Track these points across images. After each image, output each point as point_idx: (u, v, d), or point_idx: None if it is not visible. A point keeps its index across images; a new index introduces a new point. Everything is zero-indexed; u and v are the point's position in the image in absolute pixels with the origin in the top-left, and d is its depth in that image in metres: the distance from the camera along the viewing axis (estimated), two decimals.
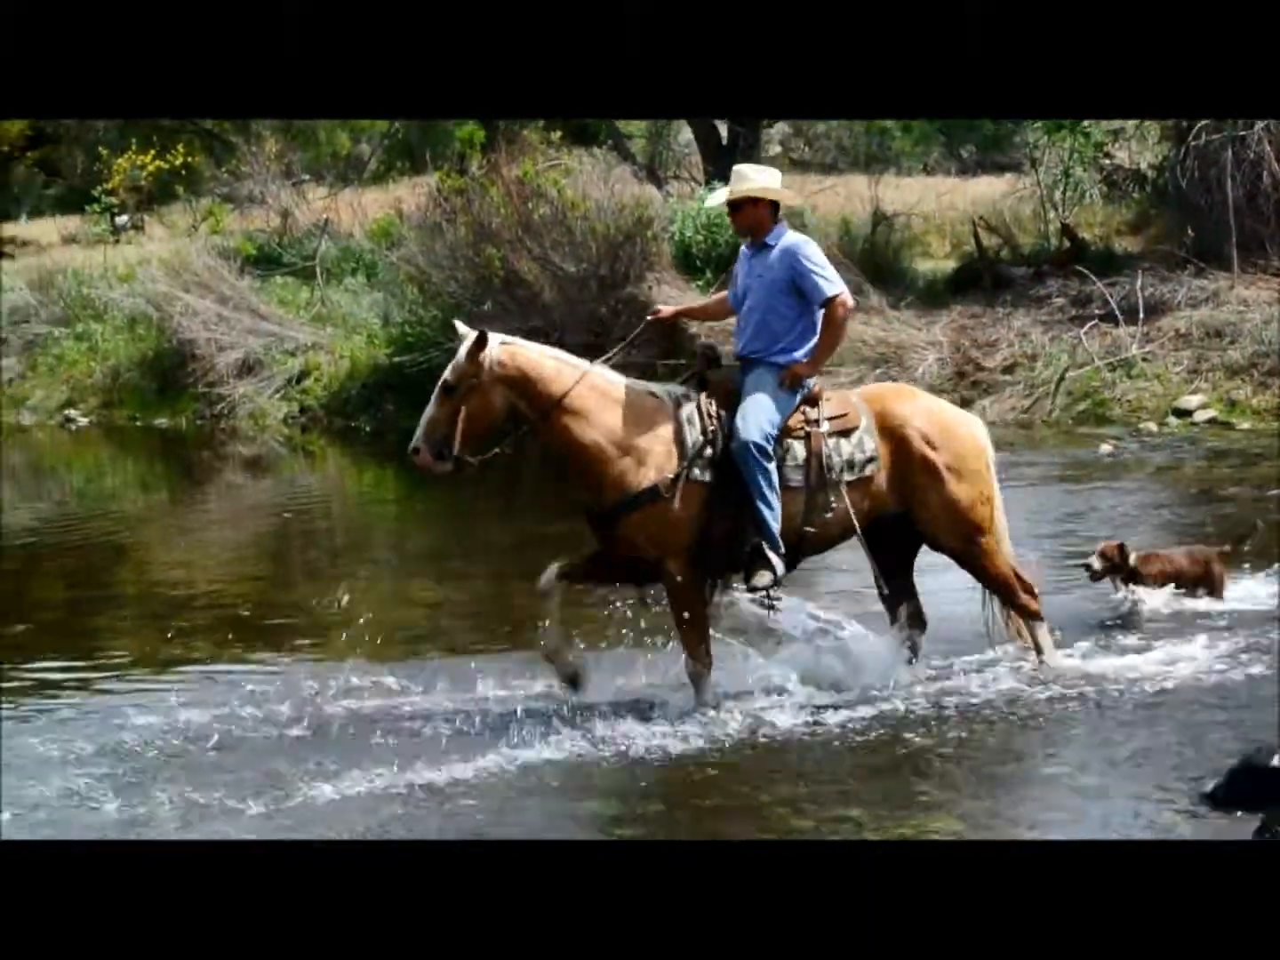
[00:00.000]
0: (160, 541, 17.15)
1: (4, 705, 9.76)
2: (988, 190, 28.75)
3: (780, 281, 9.43)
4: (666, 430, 9.32)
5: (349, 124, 39.98)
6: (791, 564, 9.50)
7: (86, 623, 12.67)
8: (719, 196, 9.89)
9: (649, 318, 10.18)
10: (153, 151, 32.51)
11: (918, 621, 9.91)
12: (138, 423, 25.29)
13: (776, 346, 9.46)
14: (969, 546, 9.75)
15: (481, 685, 9.62)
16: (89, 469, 22.99)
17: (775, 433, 9.25)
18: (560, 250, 22.47)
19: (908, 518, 9.66)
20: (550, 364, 9.36)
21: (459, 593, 12.82)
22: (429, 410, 9.31)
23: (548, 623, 9.41)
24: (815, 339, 9.50)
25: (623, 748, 8.56)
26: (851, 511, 9.40)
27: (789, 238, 9.53)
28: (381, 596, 11.88)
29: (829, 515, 9.40)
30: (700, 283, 23.30)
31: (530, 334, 21.52)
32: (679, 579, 9.25)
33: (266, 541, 16.88)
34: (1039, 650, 9.83)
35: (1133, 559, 11.23)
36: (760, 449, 9.15)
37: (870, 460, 9.44)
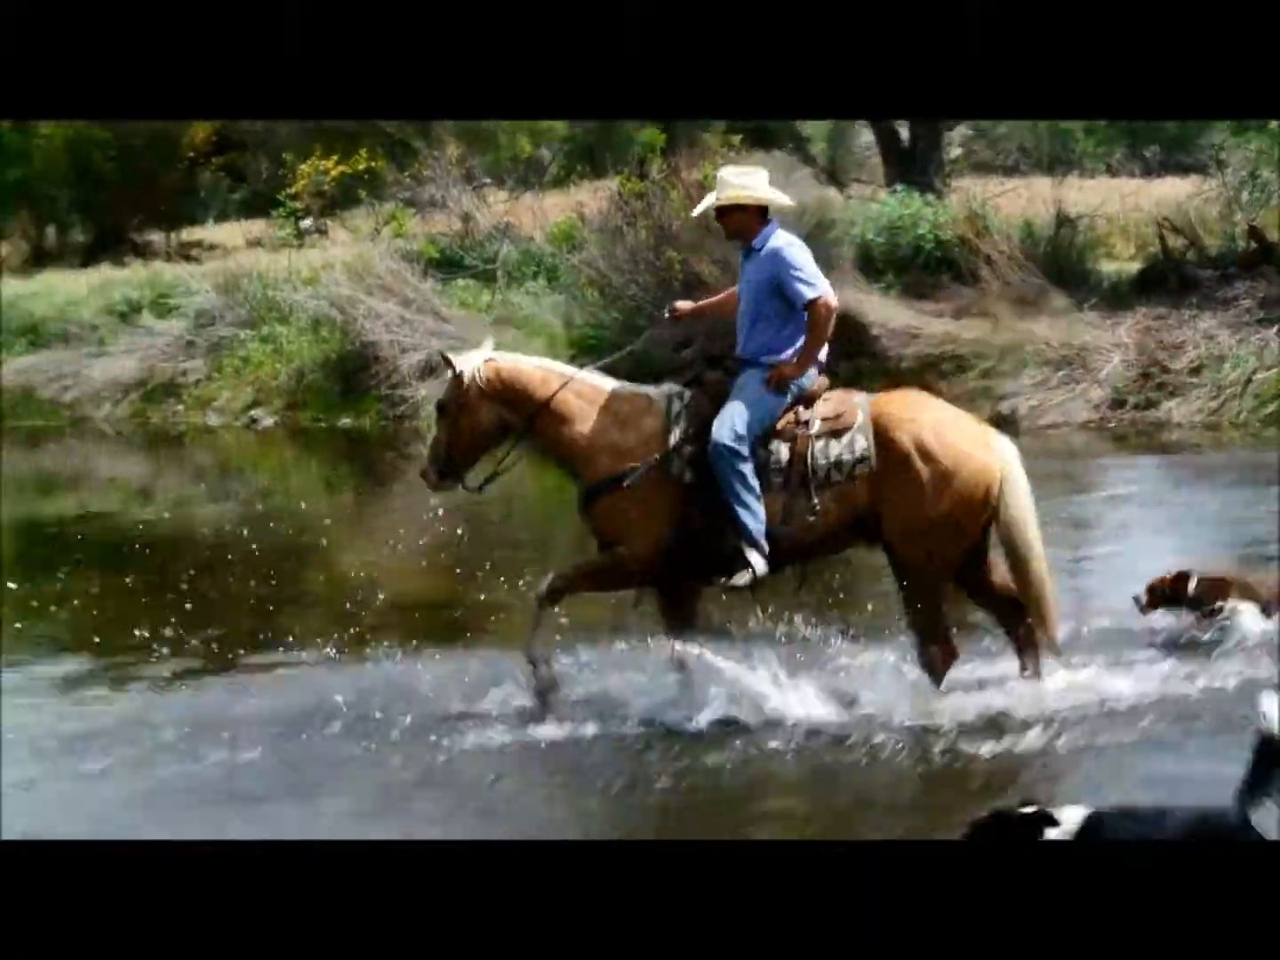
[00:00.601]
0: (346, 541, 17.36)
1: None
2: (1172, 191, 28.33)
3: (766, 285, 9.52)
4: (652, 427, 9.56)
5: (529, 128, 40.26)
6: (777, 566, 9.46)
7: (279, 622, 12.85)
8: (706, 202, 10.01)
9: (666, 314, 10.38)
10: (336, 156, 32.90)
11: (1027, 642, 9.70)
12: (322, 423, 25.56)
13: (765, 349, 9.50)
14: (923, 569, 9.45)
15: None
16: (274, 470, 23.31)
17: (749, 434, 9.26)
18: (736, 252, 22.44)
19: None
20: (533, 372, 9.75)
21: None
22: (433, 433, 9.94)
23: (535, 631, 9.64)
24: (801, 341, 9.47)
25: None
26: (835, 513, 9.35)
27: (775, 240, 9.58)
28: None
29: (812, 518, 9.36)
30: (881, 284, 23.23)
31: (709, 336, 21.89)
32: (628, 566, 9.54)
33: (450, 540, 17.02)
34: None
35: (1193, 587, 10.49)
36: (730, 450, 9.24)
37: (860, 461, 9.33)
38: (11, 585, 13.54)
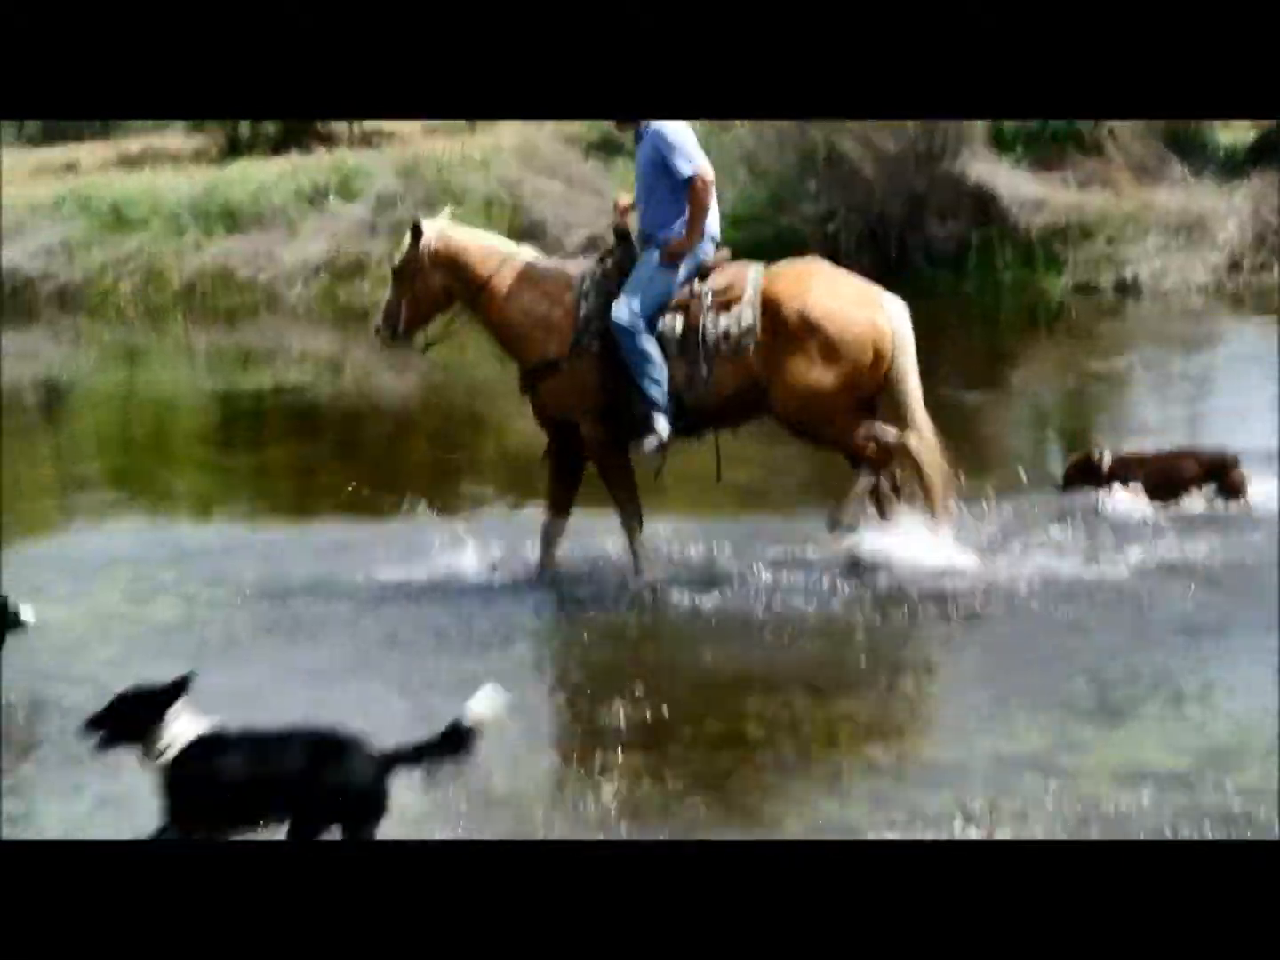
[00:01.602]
0: (515, 410, 17.48)
1: None
2: None
3: (652, 164, 9.50)
4: (571, 302, 9.60)
5: None
6: (689, 429, 9.59)
7: (453, 483, 13.02)
8: None
9: (615, 204, 10.29)
10: None
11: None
12: None
13: (659, 224, 9.49)
14: (816, 427, 9.46)
15: None
16: (451, 344, 23.44)
17: (644, 309, 9.31)
18: (880, 129, 22.32)
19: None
20: (477, 249, 9.83)
21: (787, 452, 12.92)
22: (386, 294, 10.05)
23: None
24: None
25: None
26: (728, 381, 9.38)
27: (659, 125, 9.41)
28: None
29: (707, 386, 9.37)
30: (1011, 157, 22.99)
31: (851, 209, 21.77)
32: (593, 439, 9.62)
33: None
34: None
35: (1106, 464, 10.45)
36: (627, 327, 9.29)
37: (746, 333, 9.32)
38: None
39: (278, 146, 34.25)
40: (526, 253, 10.02)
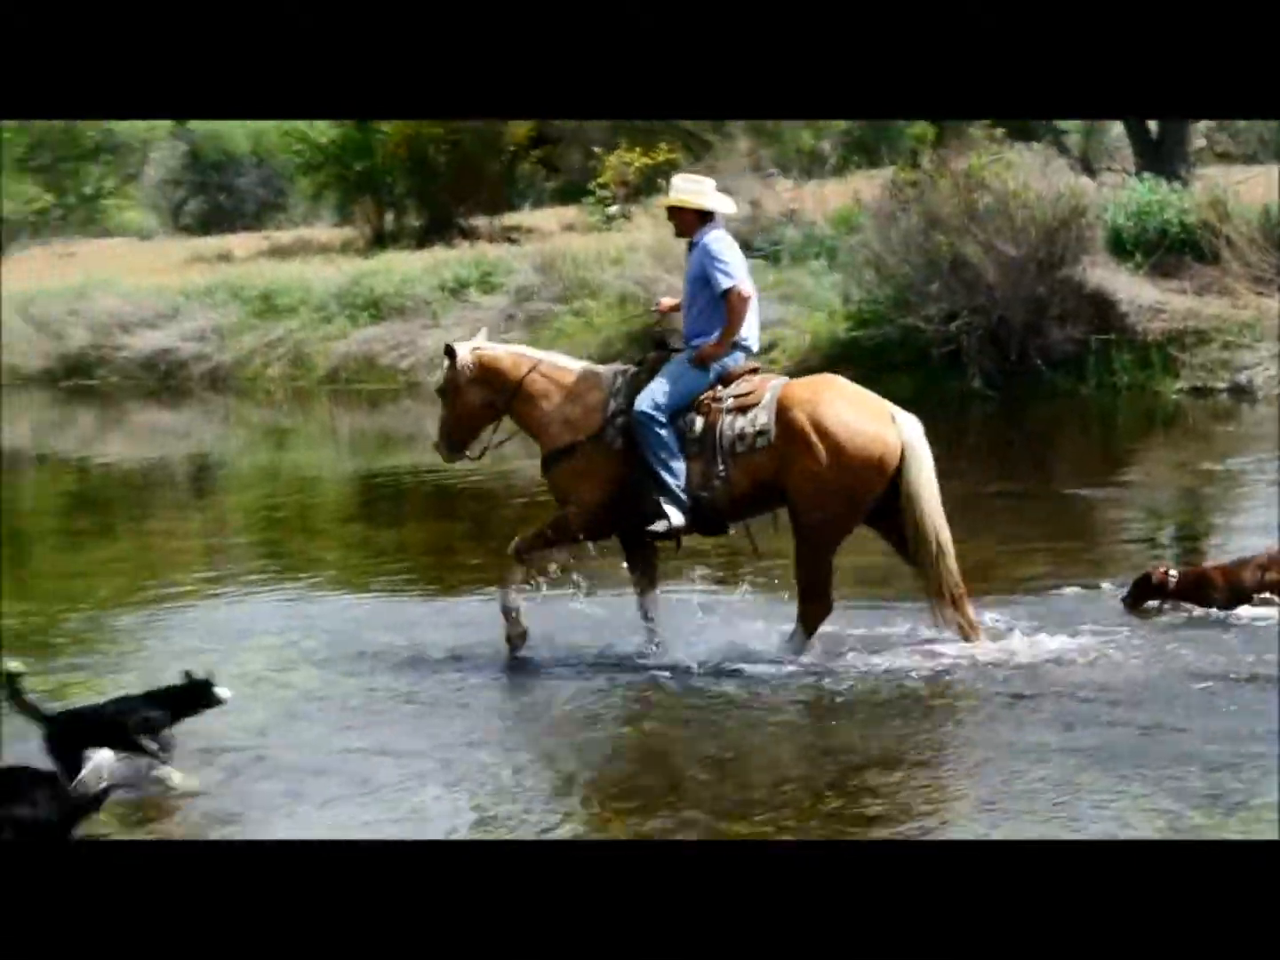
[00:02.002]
0: None
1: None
2: None
3: (698, 276, 9.69)
4: (596, 400, 9.85)
5: (811, 122, 40.16)
6: (709, 527, 9.80)
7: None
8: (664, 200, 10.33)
9: (652, 309, 10.71)
10: (639, 150, 33.17)
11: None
12: None
13: (699, 332, 9.69)
14: (816, 530, 9.48)
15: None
16: None
17: (668, 403, 9.51)
18: (1003, 236, 22.36)
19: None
20: (508, 358, 10.13)
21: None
22: (440, 414, 10.39)
23: (508, 584, 9.96)
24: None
25: None
26: (741, 480, 9.48)
27: (708, 236, 9.69)
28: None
29: (721, 483, 9.51)
30: (1130, 264, 22.92)
31: (973, 312, 21.75)
32: (573, 524, 9.78)
33: None
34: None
35: (1172, 581, 10.15)
36: (647, 416, 9.51)
37: (760, 434, 9.44)
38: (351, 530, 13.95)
39: (422, 240, 34.73)
40: (557, 356, 10.35)
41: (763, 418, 9.44)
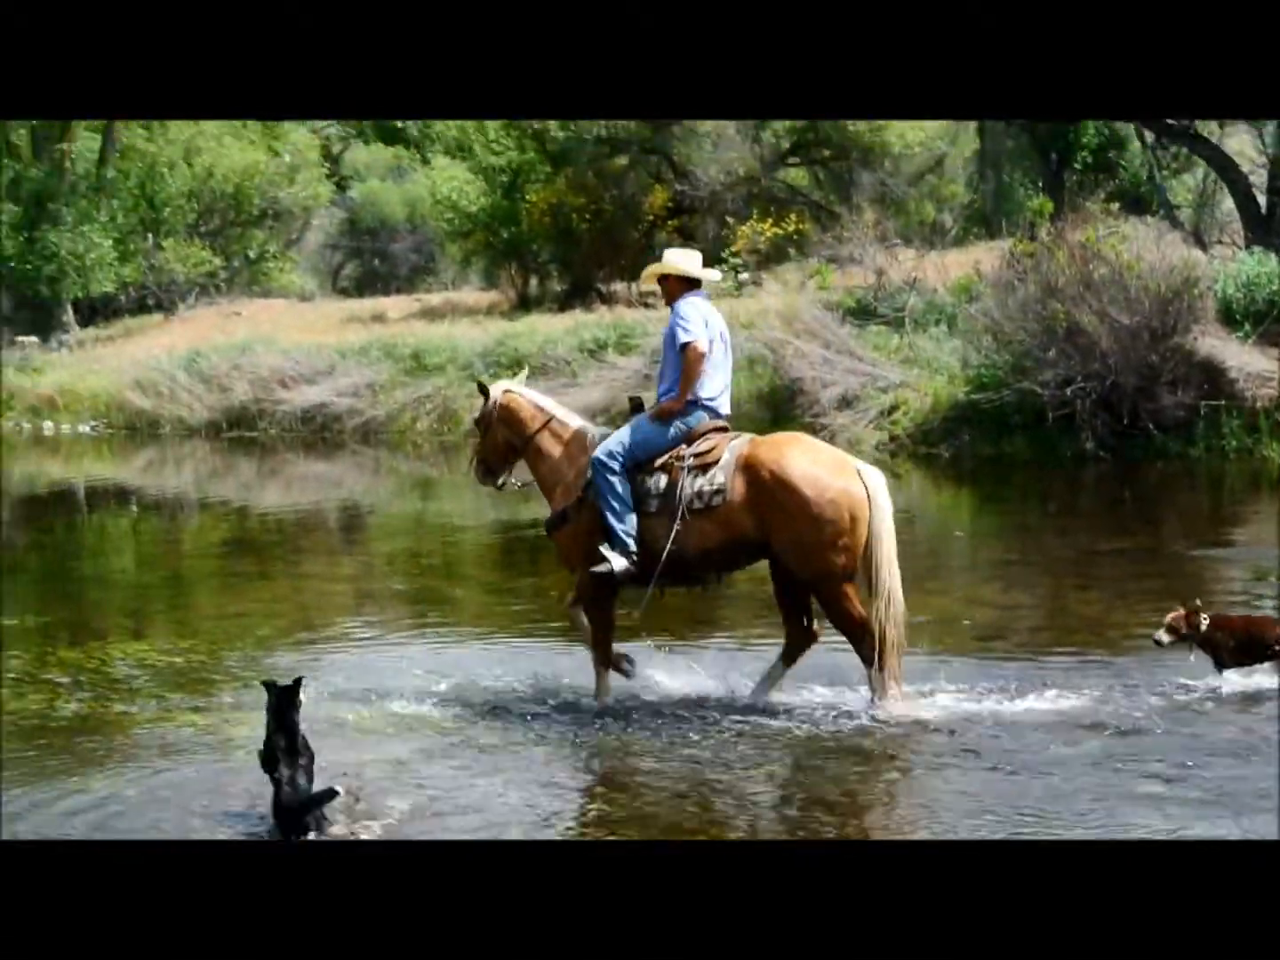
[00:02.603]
0: None
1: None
2: None
3: (668, 336, 9.76)
4: (584, 465, 9.84)
5: (934, 196, 40.14)
6: (682, 580, 9.78)
7: (714, 611, 13.04)
8: (646, 270, 10.34)
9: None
10: (770, 220, 33.28)
11: (789, 653, 9.78)
12: None
13: (665, 390, 9.76)
14: (817, 584, 9.46)
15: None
16: None
17: (623, 453, 9.57)
18: (1117, 305, 22.31)
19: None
20: (529, 409, 10.26)
21: (1027, 598, 12.81)
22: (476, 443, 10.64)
23: (585, 638, 10.11)
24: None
25: None
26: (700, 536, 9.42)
27: (681, 300, 9.72)
28: (957, 599, 11.91)
29: (686, 539, 9.46)
30: (1240, 333, 22.74)
31: (1088, 377, 21.62)
32: (582, 586, 9.87)
33: None
34: (875, 691, 9.40)
35: (1204, 625, 9.72)
36: (601, 463, 9.60)
37: (717, 493, 9.42)
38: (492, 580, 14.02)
39: (563, 304, 34.99)
40: (567, 414, 10.37)
41: (720, 477, 9.45)
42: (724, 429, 9.79)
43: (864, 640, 9.38)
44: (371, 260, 55.20)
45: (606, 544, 9.61)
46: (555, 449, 10.10)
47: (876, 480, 9.42)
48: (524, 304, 36.92)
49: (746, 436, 9.73)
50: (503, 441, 10.36)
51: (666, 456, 9.65)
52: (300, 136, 49.77)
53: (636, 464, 9.65)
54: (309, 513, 22.02)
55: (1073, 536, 16.46)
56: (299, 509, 22.45)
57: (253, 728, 9.32)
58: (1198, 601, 9.91)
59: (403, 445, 28.97)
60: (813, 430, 25.04)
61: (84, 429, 35.74)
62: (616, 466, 9.59)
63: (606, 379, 28.50)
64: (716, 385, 9.76)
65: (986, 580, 14.03)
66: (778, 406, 26.00)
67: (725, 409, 9.86)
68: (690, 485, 9.50)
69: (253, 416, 32.22)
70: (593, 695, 9.96)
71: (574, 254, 36.82)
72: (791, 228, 33.32)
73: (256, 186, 46.87)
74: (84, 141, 44.46)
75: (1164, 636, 9.77)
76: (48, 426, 36.19)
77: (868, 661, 9.41)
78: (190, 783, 8.29)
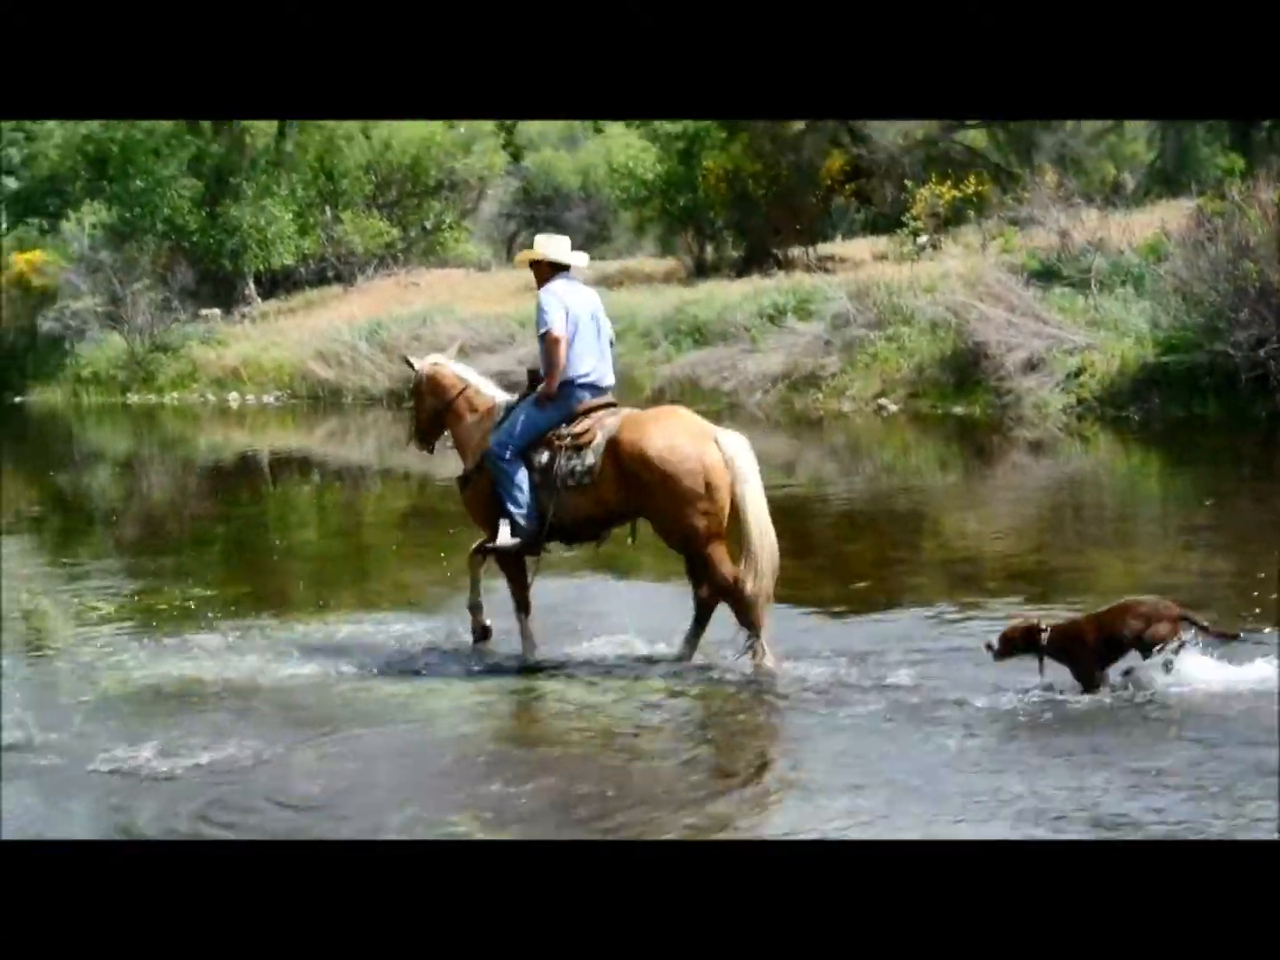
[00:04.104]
0: (956, 511, 17.43)
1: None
2: None
3: (537, 321, 10.41)
4: (487, 428, 10.61)
5: (1115, 156, 39.49)
6: (567, 540, 10.55)
7: (903, 580, 12.99)
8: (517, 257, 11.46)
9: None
10: (949, 183, 32.94)
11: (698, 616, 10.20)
12: (938, 410, 25.67)
13: (542, 373, 10.39)
14: (687, 548, 9.99)
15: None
16: (897, 449, 23.51)
17: (512, 440, 10.23)
18: None
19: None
20: (450, 378, 11.03)
21: (1225, 564, 12.58)
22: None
23: (471, 584, 10.76)
24: None
25: None
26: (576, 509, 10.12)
27: (543, 288, 10.39)
28: (1153, 567, 11.69)
29: (564, 510, 10.16)
30: None
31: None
32: (486, 543, 10.59)
33: (1047, 513, 16.93)
34: (753, 654, 9.76)
35: (1044, 636, 8.87)
36: (493, 453, 10.32)
37: (587, 472, 10.06)
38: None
39: (740, 270, 34.92)
40: (485, 384, 11.09)
41: (590, 458, 10.06)
42: (606, 405, 10.36)
43: (739, 600, 9.75)
44: (546, 228, 55.44)
45: (501, 519, 10.34)
46: (469, 414, 10.87)
47: (736, 446, 9.82)
48: (700, 270, 36.91)
49: (621, 414, 10.23)
50: (430, 409, 11.16)
51: (550, 434, 10.26)
52: None
53: (528, 444, 10.28)
54: None
55: (1269, 502, 16.11)
56: None
57: (454, 698, 9.51)
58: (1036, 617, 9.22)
59: None
60: (997, 394, 24.88)
61: (268, 400, 36.40)
62: (507, 455, 10.27)
63: (786, 345, 28.43)
64: (588, 363, 10.31)
65: (1183, 549, 13.78)
66: (961, 371, 25.79)
67: (605, 381, 10.44)
68: (565, 464, 10.15)
69: None
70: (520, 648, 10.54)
71: (751, 220, 36.70)
72: (970, 190, 32.96)
73: (433, 157, 47.26)
74: None
75: (995, 644, 9.08)
76: (232, 398, 36.92)
77: (744, 624, 9.80)
78: (398, 753, 8.45)
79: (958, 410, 25.42)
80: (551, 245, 10.53)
